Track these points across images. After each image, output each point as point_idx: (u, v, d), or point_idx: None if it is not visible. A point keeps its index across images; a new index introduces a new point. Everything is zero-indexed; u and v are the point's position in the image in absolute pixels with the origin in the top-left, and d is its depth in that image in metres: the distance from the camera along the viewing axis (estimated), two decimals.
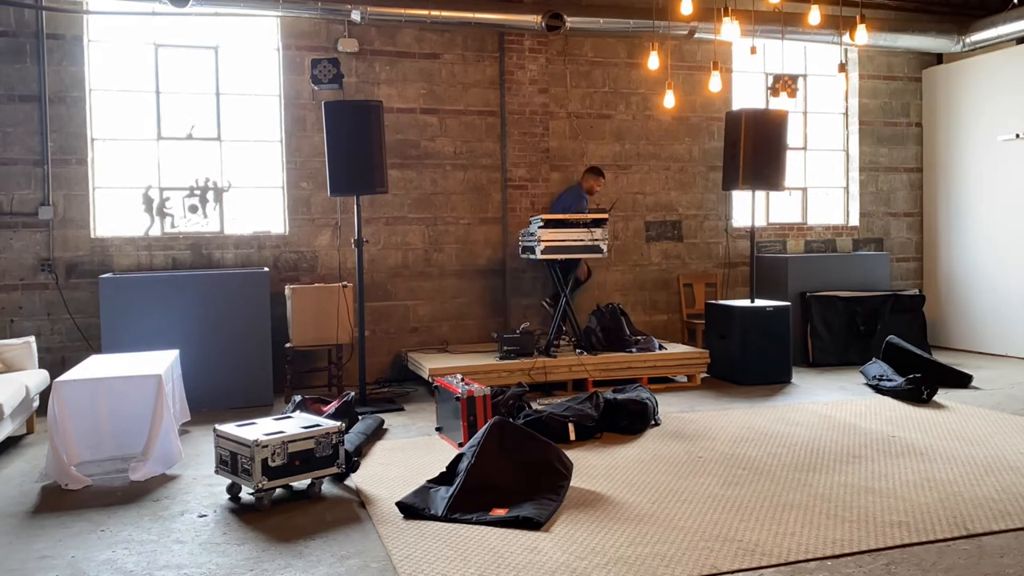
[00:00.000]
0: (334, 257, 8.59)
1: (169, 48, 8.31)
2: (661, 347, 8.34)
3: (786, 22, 9.16)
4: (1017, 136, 9.66)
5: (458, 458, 4.92)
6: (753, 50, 8.09)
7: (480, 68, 9.07)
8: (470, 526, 4.35)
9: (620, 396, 6.66)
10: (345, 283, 7.94)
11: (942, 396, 7.51)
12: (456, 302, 9.04)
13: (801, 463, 5.46)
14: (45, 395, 6.28)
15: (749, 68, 10.28)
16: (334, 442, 4.98)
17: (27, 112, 7.75)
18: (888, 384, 7.72)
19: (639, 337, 8.41)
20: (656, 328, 9.65)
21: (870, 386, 8.01)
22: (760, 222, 10.33)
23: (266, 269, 7.94)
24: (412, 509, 4.55)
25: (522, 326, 8.16)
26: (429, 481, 4.88)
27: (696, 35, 9.33)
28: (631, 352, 8.20)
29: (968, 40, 9.93)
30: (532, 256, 8.10)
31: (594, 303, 9.21)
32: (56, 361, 7.67)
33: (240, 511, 4.72)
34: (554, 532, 4.24)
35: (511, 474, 4.77)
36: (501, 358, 7.84)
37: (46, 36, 7.77)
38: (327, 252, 8.59)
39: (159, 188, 8.26)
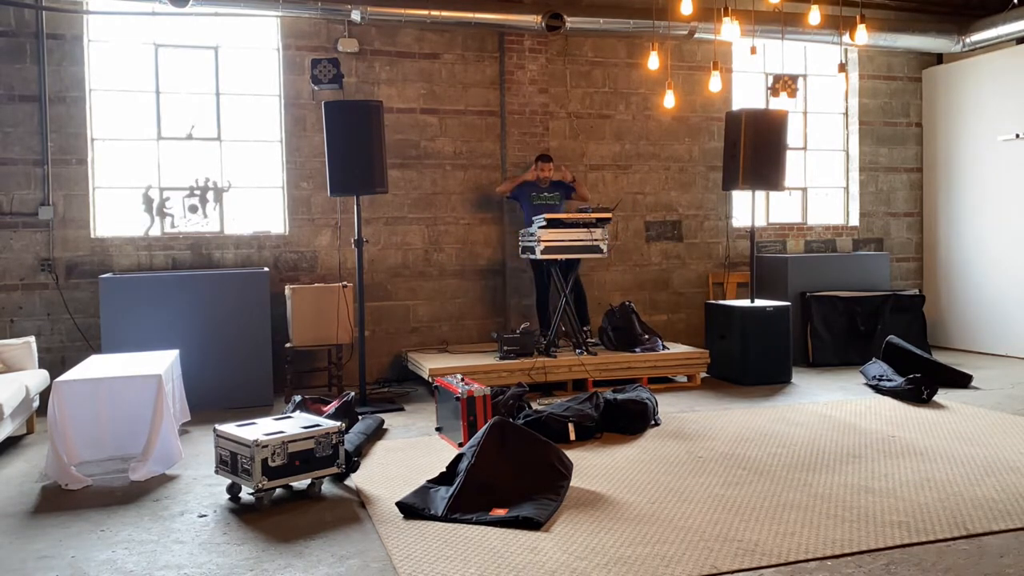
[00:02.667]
0: (334, 257, 8.58)
1: (169, 48, 8.30)
2: (665, 347, 8.34)
3: (786, 22, 9.15)
4: (1017, 136, 9.65)
5: (458, 458, 4.90)
6: (753, 50, 8.08)
7: (480, 68, 9.06)
8: (470, 526, 4.34)
9: (620, 396, 6.65)
10: (345, 283, 7.93)
11: (942, 396, 7.49)
12: (456, 302, 9.04)
13: (801, 463, 5.46)
14: (45, 395, 6.26)
15: (749, 68, 10.28)
16: (334, 442, 4.98)
17: (27, 112, 7.75)
18: (888, 384, 7.71)
19: (646, 336, 8.41)
20: (656, 328, 9.61)
21: (870, 386, 8.00)
22: (760, 222, 10.32)
23: (266, 269, 7.93)
24: (412, 509, 4.55)
25: (522, 326, 8.15)
26: (429, 481, 4.87)
27: (696, 35, 9.32)
28: (636, 352, 8.22)
29: (968, 40, 9.91)
30: (532, 256, 8.08)
31: (596, 302, 9.22)
32: (56, 361, 7.67)
33: (240, 511, 4.72)
34: (554, 532, 4.23)
35: (511, 474, 4.75)
36: (501, 358, 7.83)
37: (46, 36, 7.76)
38: (327, 252, 8.58)
39: (159, 188, 8.25)
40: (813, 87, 10.65)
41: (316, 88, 8.40)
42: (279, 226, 8.57)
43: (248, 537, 4.28)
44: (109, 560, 3.99)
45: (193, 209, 8.30)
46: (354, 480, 5.21)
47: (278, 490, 4.94)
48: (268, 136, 8.58)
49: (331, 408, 6.47)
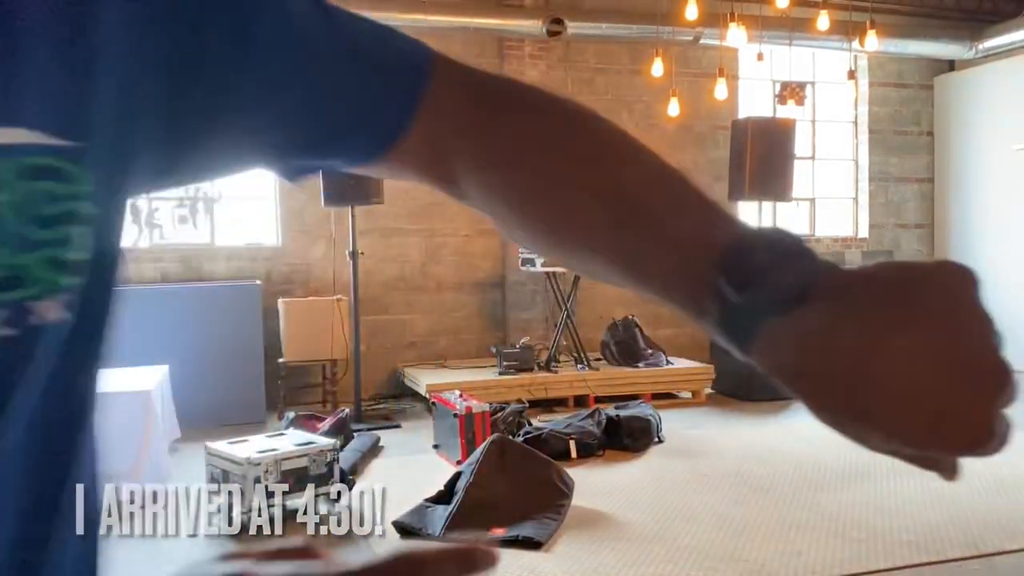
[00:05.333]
0: (328, 270, 8.43)
1: None
2: (668, 362, 8.22)
3: (794, 28, 8.98)
4: None
5: (456, 476, 4.86)
6: (760, 56, 8.00)
7: None
8: None
9: (623, 413, 6.56)
10: (340, 296, 7.81)
11: None
12: (454, 316, 8.87)
13: (809, 481, 5.41)
14: None
15: (756, 75, 10.11)
16: (329, 460, 4.94)
17: None
18: None
19: (649, 350, 8.29)
20: (660, 342, 9.45)
21: None
22: None
23: (258, 282, 7.84)
24: (409, 529, 4.51)
25: (522, 341, 8.05)
26: (426, 500, 4.82)
27: (701, 41, 9.18)
28: (640, 367, 8.08)
29: (981, 46, 9.78)
30: (533, 268, 7.99)
31: (597, 316, 9.03)
32: None
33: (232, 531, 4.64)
34: (554, 552, 4.21)
35: (511, 493, 4.72)
36: (500, 374, 7.70)
37: None
38: (321, 265, 8.44)
39: (147, 198, 8.10)
40: (821, 95, 10.51)
41: None
42: (272, 238, 8.45)
43: None
44: None
45: (183, 220, 8.18)
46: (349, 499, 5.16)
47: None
48: None
49: (325, 425, 6.37)
